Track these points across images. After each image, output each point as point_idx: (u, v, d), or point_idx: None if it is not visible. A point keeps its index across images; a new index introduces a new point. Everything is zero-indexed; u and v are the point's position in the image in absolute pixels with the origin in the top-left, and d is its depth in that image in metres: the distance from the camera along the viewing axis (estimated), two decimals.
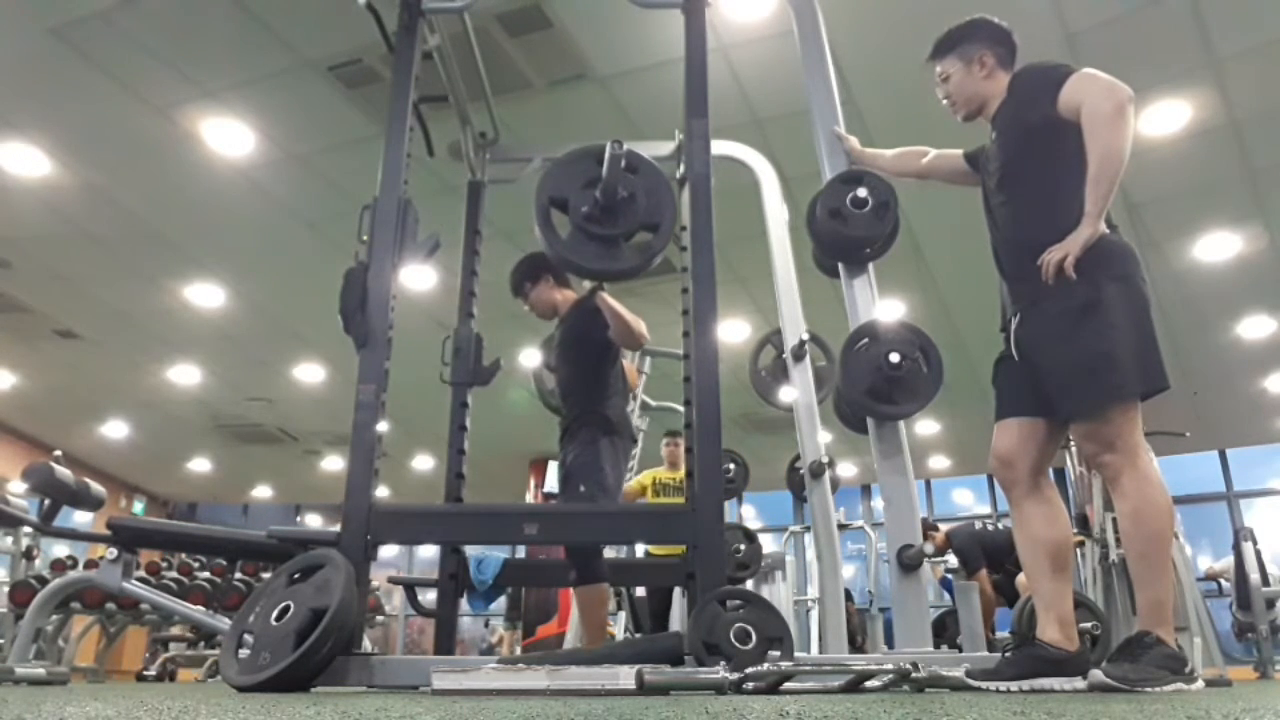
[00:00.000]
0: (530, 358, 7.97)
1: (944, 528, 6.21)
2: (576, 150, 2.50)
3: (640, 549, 5.15)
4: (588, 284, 3.44)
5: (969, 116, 2.47)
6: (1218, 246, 6.42)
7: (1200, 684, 1.99)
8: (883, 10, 4.36)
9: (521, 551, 5.49)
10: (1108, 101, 2.09)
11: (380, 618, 7.21)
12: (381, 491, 2.58)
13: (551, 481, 10.91)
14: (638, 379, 5.38)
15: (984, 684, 2.05)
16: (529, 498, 11.20)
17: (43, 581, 5.07)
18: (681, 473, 5.35)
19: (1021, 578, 5.34)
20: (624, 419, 3.44)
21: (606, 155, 2.34)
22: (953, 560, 6.60)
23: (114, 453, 11.57)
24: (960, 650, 3.23)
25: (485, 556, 3.59)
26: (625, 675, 1.74)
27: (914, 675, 1.93)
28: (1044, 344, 2.20)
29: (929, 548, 2.60)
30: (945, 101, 2.50)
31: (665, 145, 3.66)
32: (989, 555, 5.76)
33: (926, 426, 10.01)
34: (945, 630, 5.45)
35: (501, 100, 4.41)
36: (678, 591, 5.09)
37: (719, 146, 3.19)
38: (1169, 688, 1.88)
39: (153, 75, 4.91)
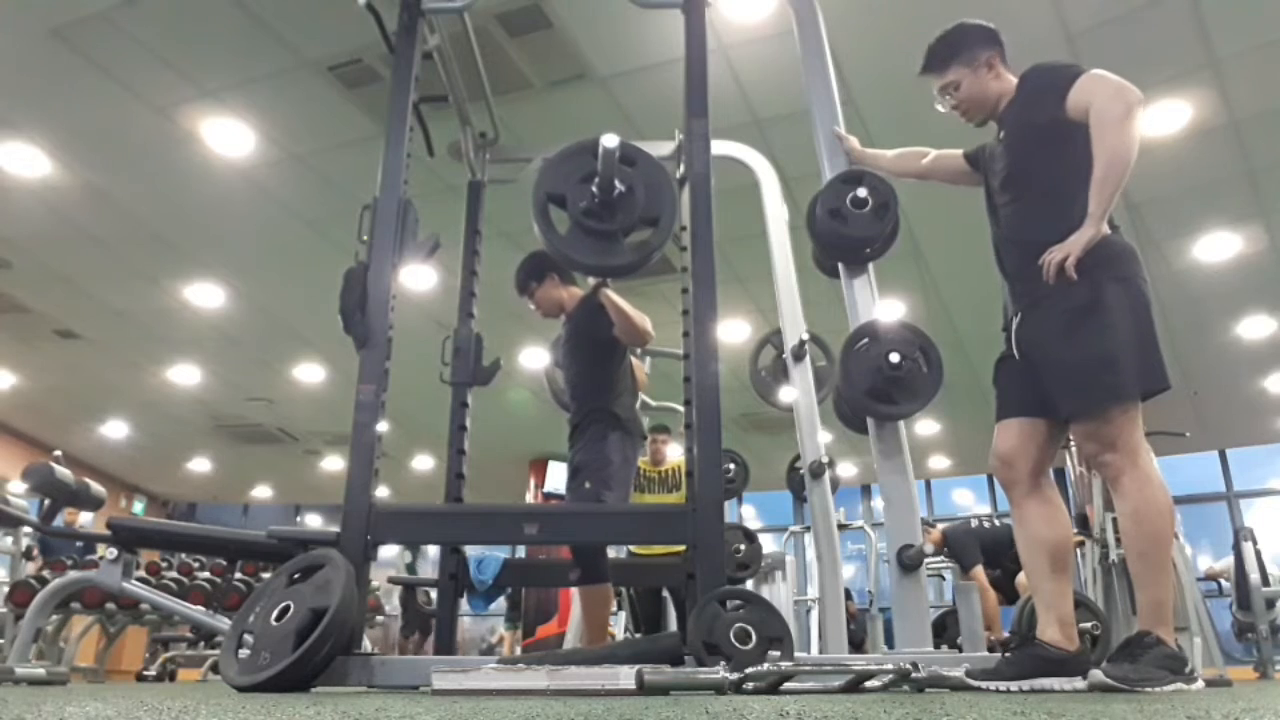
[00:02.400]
0: (531, 358, 7.98)
1: (940, 526, 6.19)
2: (573, 144, 2.48)
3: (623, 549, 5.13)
4: (592, 281, 3.44)
5: (984, 120, 2.45)
6: (1218, 246, 6.42)
7: (1200, 684, 1.99)
8: (883, 10, 4.36)
9: (521, 551, 5.49)
10: (1117, 103, 2.08)
11: (380, 618, 7.21)
12: (381, 491, 2.58)
13: (552, 481, 10.92)
14: (646, 379, 5.39)
15: (984, 684, 2.05)
16: (529, 498, 11.19)
17: (43, 581, 5.07)
18: (665, 467, 5.35)
19: (1022, 577, 5.34)
20: (633, 416, 3.43)
21: (601, 148, 2.33)
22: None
23: (114, 453, 11.57)
24: (960, 650, 3.23)
25: (485, 556, 3.59)
26: (625, 675, 1.74)
27: (914, 675, 1.93)
28: (1045, 344, 2.20)
29: (929, 547, 2.60)
30: (954, 111, 2.48)
31: (665, 145, 3.66)
32: (986, 552, 5.75)
33: (926, 426, 10.02)
34: (945, 630, 5.45)
35: (501, 100, 4.42)
36: (667, 593, 5.09)
37: (719, 146, 3.19)
38: (1169, 688, 1.88)
39: (153, 75, 4.91)
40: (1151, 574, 2.06)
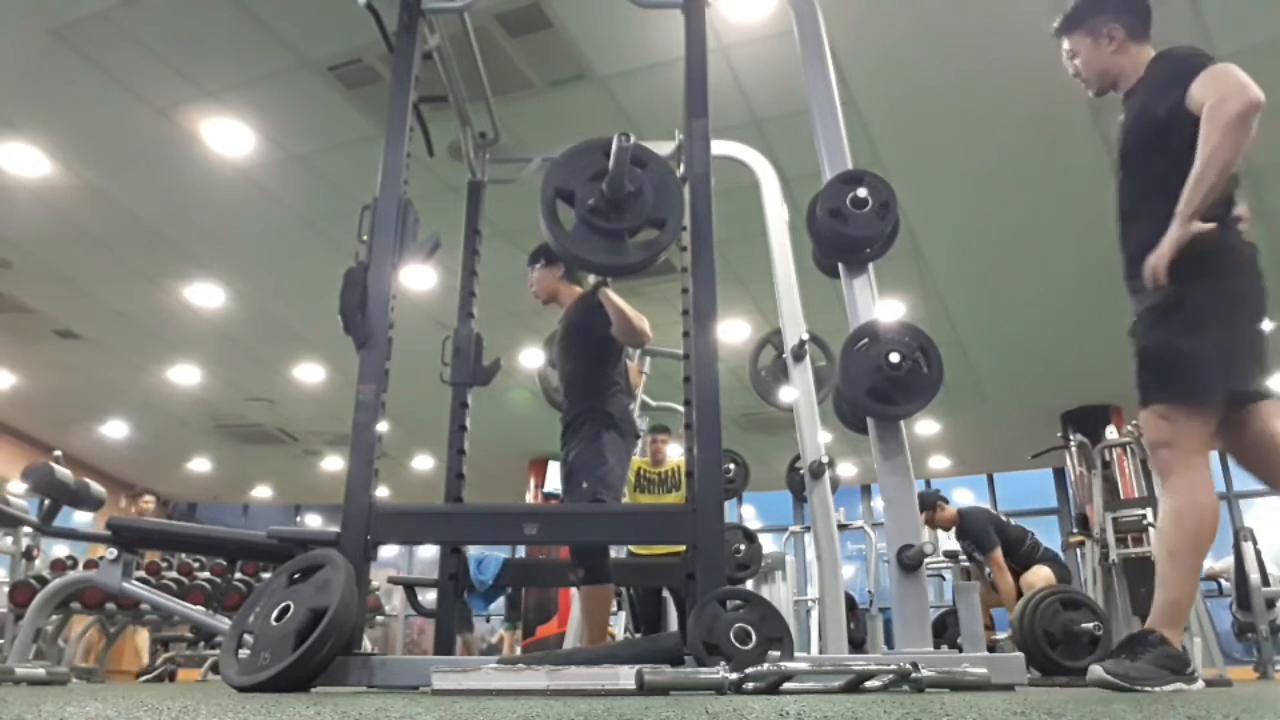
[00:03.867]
0: (531, 358, 7.98)
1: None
2: (584, 142, 2.48)
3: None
4: (592, 279, 3.44)
5: (1101, 92, 2.39)
6: None
7: (1200, 684, 1.98)
8: (883, 11, 4.36)
9: (521, 551, 5.49)
10: (1231, 103, 2.01)
11: (380, 618, 7.21)
12: (381, 491, 2.58)
13: (552, 482, 10.92)
14: (640, 378, 5.39)
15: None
16: (529, 498, 11.20)
17: (43, 581, 5.06)
18: (664, 467, 5.35)
19: (1028, 576, 5.33)
20: (626, 415, 3.43)
21: (613, 148, 2.33)
22: (945, 548, 6.53)
23: (114, 453, 11.57)
24: (960, 650, 3.23)
25: (485, 556, 3.59)
26: (625, 675, 1.74)
27: (914, 675, 1.93)
28: (1134, 339, 2.22)
29: (928, 543, 2.59)
30: (1075, 78, 2.42)
31: (665, 145, 3.65)
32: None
33: (926, 426, 10.01)
34: (945, 630, 5.44)
35: (501, 100, 4.41)
36: (667, 593, 5.09)
37: (719, 146, 3.19)
38: (1168, 688, 1.87)
39: (153, 75, 4.91)
40: (1177, 574, 2.04)
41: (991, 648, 4.60)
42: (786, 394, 4.07)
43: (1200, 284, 2.07)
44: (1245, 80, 2.03)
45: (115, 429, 10.86)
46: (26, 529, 5.27)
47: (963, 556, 6.13)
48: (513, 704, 1.31)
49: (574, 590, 4.31)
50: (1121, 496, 5.28)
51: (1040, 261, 6.44)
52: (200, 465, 12.34)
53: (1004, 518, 5.91)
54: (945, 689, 2.04)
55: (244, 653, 2.07)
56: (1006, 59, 4.63)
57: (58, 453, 4.18)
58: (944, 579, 7.74)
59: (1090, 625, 3.72)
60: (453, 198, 4.35)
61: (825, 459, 3.50)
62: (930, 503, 5.80)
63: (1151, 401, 2.12)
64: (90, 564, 5.65)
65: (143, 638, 7.03)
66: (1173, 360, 2.07)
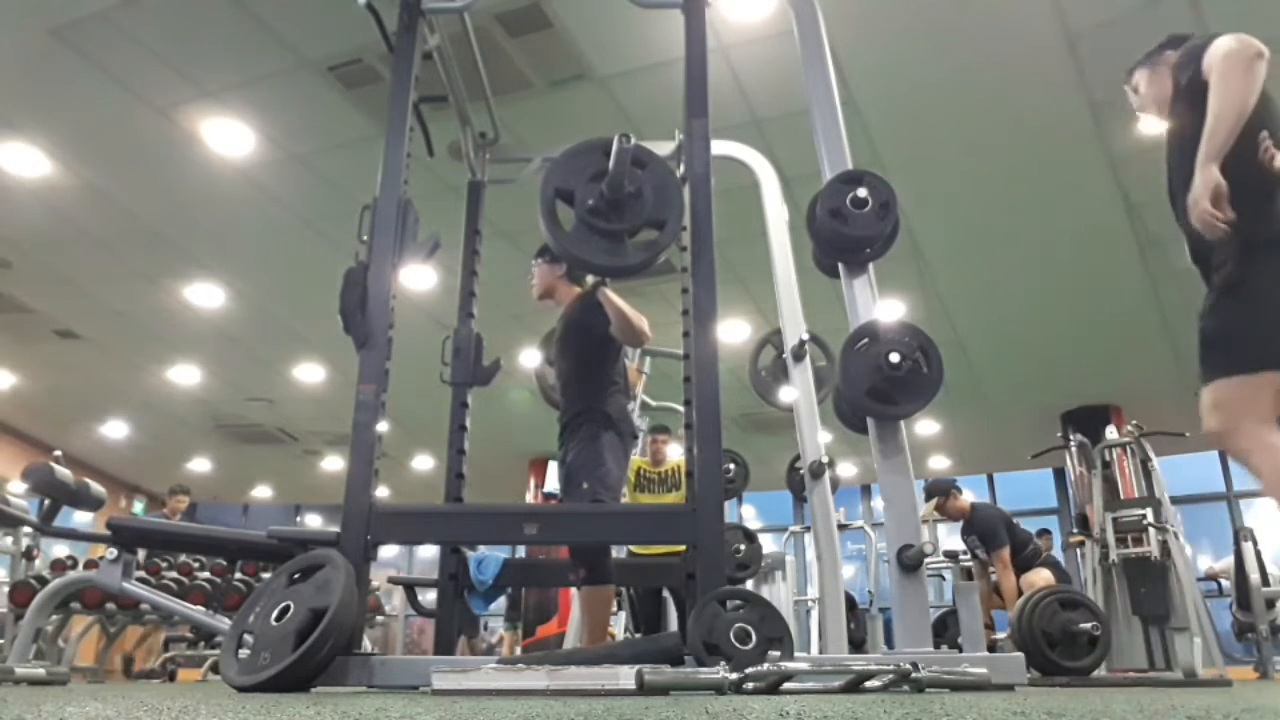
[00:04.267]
0: (531, 358, 7.98)
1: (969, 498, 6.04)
2: (584, 142, 2.48)
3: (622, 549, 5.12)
4: (590, 279, 3.44)
5: (1161, 115, 2.51)
6: None
7: None
8: (883, 11, 4.36)
9: (521, 551, 5.49)
10: (1233, 56, 2.14)
11: (380, 618, 7.21)
12: (381, 491, 2.58)
13: (551, 482, 10.92)
14: (639, 378, 5.38)
15: None
16: (529, 498, 11.20)
17: (43, 581, 5.06)
18: (664, 467, 5.35)
19: (1029, 576, 5.33)
20: (624, 415, 3.42)
21: (614, 149, 2.32)
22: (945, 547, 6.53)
23: (114, 453, 11.57)
24: (960, 650, 3.23)
25: (485, 556, 3.59)
26: (625, 675, 1.74)
27: (914, 675, 1.93)
28: (1199, 319, 2.24)
29: (928, 544, 2.59)
30: (1139, 111, 2.58)
31: (665, 145, 3.65)
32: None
33: (926, 426, 10.01)
34: (945, 630, 5.44)
35: (501, 100, 4.42)
36: (667, 593, 5.09)
37: (719, 146, 3.19)
38: None
39: (153, 75, 4.92)
40: None
41: (991, 648, 4.60)
42: (786, 394, 4.07)
43: (1260, 263, 2.10)
44: (1247, 39, 2.16)
45: (115, 429, 10.87)
46: (26, 529, 5.27)
47: (964, 555, 6.12)
48: (513, 704, 1.31)
49: (574, 590, 4.32)
50: (1121, 496, 5.28)
51: (1040, 261, 6.44)
52: (200, 465, 12.34)
53: (1013, 520, 5.90)
54: (945, 689, 2.04)
55: (244, 653, 2.08)
56: (1006, 57, 4.63)
57: (58, 453, 4.18)
58: (944, 579, 7.74)
59: (1088, 625, 3.73)
60: (453, 198, 4.35)
61: (825, 459, 3.50)
62: (944, 489, 5.79)
63: (1209, 378, 2.15)
64: (90, 564, 5.65)
65: (157, 639, 7.03)
66: (1227, 335, 2.11)
